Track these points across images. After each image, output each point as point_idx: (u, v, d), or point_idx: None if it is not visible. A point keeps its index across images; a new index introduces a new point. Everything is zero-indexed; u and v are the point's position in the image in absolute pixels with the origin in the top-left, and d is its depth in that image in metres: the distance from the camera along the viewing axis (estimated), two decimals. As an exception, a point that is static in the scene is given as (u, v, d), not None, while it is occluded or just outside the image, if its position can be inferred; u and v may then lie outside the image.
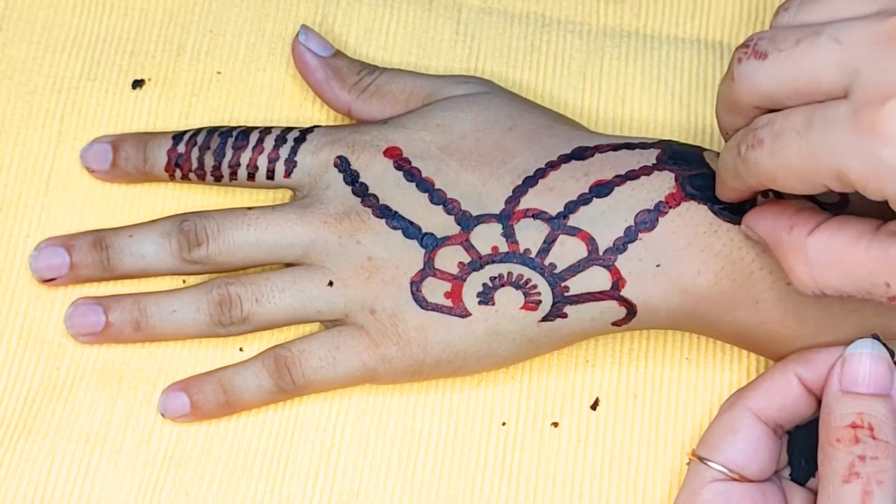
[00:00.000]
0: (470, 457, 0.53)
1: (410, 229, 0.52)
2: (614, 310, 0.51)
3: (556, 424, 0.54)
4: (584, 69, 0.59)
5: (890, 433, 0.46)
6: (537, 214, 0.51)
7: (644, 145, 0.53)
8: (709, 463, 0.49)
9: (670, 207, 0.50)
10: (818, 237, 0.45)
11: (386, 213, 0.52)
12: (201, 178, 0.55)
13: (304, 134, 0.55)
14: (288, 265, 0.54)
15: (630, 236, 0.50)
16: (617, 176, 0.51)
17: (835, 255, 0.44)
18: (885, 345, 0.48)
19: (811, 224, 0.45)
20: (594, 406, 0.54)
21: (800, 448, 0.50)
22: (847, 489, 0.45)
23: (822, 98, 0.42)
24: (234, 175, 0.55)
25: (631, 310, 0.51)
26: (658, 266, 0.50)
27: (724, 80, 0.46)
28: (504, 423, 0.54)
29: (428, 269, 0.52)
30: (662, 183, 0.51)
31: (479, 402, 0.54)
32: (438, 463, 0.53)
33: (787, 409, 0.49)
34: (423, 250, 0.52)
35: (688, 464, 0.50)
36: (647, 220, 0.50)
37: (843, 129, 0.40)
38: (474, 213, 0.52)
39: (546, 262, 0.51)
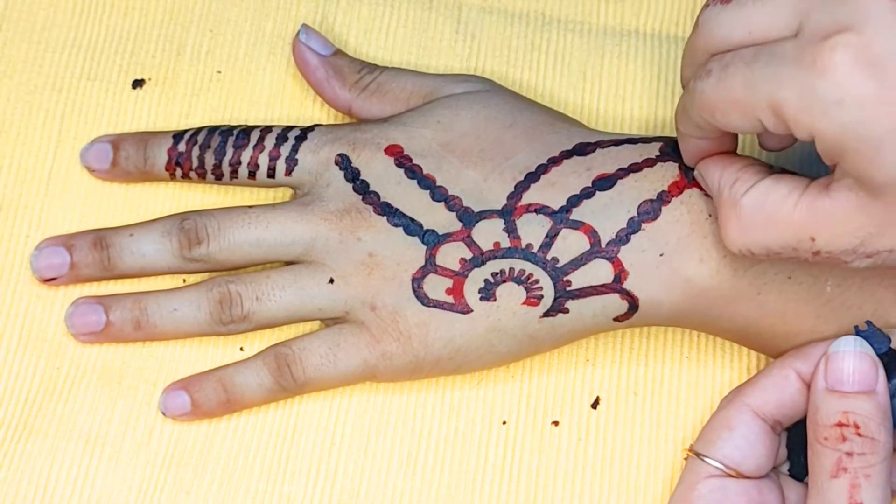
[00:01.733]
0: (470, 456, 0.53)
1: (412, 226, 0.52)
2: (616, 304, 0.51)
3: (556, 423, 0.54)
4: (584, 68, 0.59)
5: (876, 430, 0.46)
6: (540, 209, 0.51)
7: (646, 140, 0.53)
8: (705, 459, 0.49)
9: (673, 196, 0.51)
10: (753, 194, 0.46)
11: (387, 211, 0.52)
12: (202, 176, 0.55)
13: (304, 132, 0.55)
14: (288, 263, 0.54)
15: (633, 227, 0.50)
16: (620, 169, 0.52)
17: (766, 213, 0.45)
18: (880, 330, 0.49)
19: (753, 181, 0.46)
20: (594, 405, 0.54)
21: (798, 444, 0.50)
22: (835, 483, 0.46)
23: (773, 41, 0.43)
24: (234, 174, 0.55)
25: (633, 304, 0.51)
26: (661, 255, 0.50)
27: (691, 32, 0.47)
28: (504, 422, 0.54)
29: (429, 266, 0.52)
30: (666, 173, 0.51)
31: (479, 401, 0.54)
32: (439, 462, 0.53)
33: (785, 405, 0.49)
34: (425, 247, 0.52)
35: (685, 459, 0.51)
36: (650, 210, 0.51)
37: (786, 63, 0.42)
38: (476, 210, 0.52)
39: (548, 257, 0.51)
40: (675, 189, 0.51)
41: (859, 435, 0.46)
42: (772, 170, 0.48)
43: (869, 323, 0.49)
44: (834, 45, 0.40)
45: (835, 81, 0.40)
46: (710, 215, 0.50)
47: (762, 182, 0.46)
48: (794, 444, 0.50)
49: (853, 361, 0.48)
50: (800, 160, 0.55)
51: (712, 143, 0.48)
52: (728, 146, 0.49)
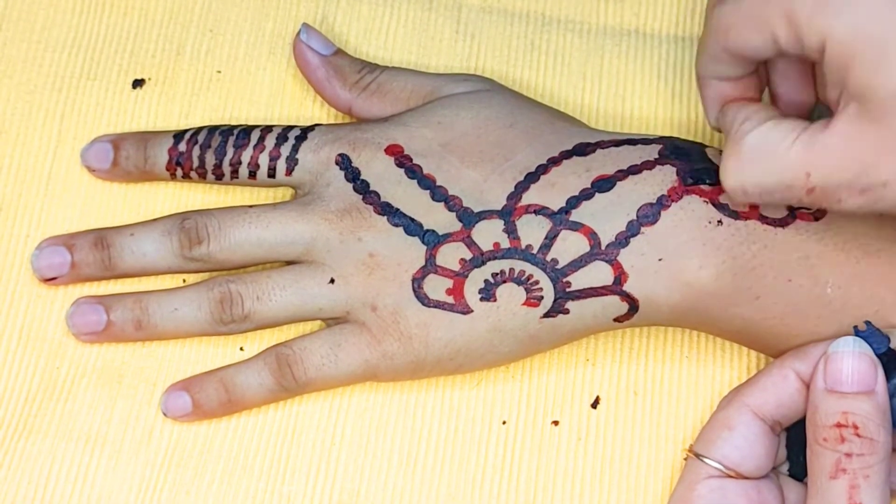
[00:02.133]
0: (470, 455, 0.54)
1: (412, 226, 0.52)
2: (616, 305, 0.51)
3: (556, 423, 0.54)
4: (584, 68, 0.59)
5: (875, 430, 0.46)
6: (539, 210, 0.51)
7: (646, 141, 0.53)
8: (705, 459, 0.49)
9: (672, 201, 0.51)
10: (757, 132, 0.47)
11: (387, 211, 0.52)
12: (202, 176, 0.55)
13: (305, 132, 0.55)
14: (289, 263, 0.54)
15: (632, 230, 0.50)
16: (619, 171, 0.52)
17: (765, 150, 0.46)
18: (879, 330, 0.49)
19: (763, 120, 0.47)
20: (594, 404, 0.54)
21: (798, 444, 0.50)
22: (834, 484, 0.46)
23: None
24: (235, 173, 0.55)
25: (633, 305, 0.51)
26: (660, 260, 0.50)
27: None
28: (504, 422, 0.54)
29: (429, 266, 0.52)
30: (665, 177, 0.51)
31: (479, 400, 0.54)
32: (439, 462, 0.53)
33: (784, 405, 0.49)
34: (425, 247, 0.52)
35: (685, 459, 0.51)
36: (650, 214, 0.51)
37: None
38: (476, 210, 0.52)
39: (548, 258, 0.51)
40: (675, 194, 0.51)
41: (858, 436, 0.46)
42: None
43: (868, 323, 0.49)
44: None
45: None
46: (710, 222, 0.50)
47: (767, 123, 0.47)
48: (794, 444, 0.50)
49: (852, 362, 0.48)
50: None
51: (734, 86, 0.50)
52: (751, 92, 0.50)
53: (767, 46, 0.46)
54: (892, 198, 0.45)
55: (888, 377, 0.48)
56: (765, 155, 0.46)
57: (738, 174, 0.47)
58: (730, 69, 0.49)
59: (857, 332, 0.49)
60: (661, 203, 0.51)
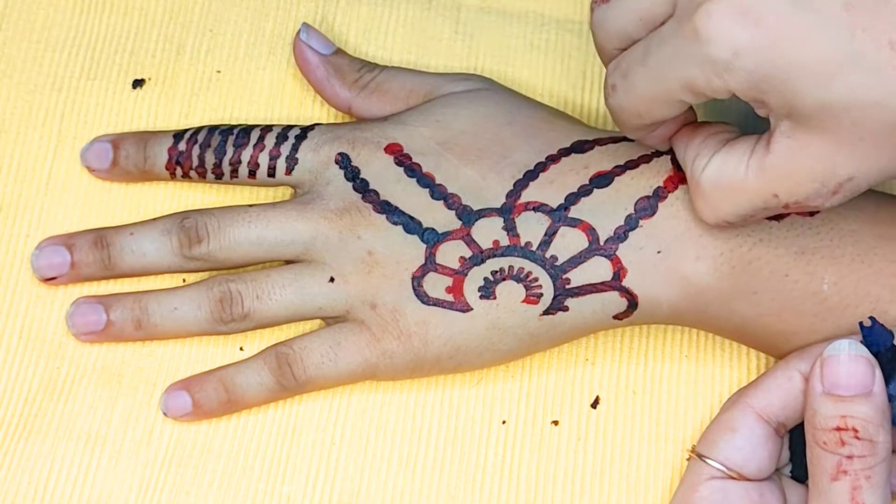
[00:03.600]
0: (470, 455, 0.53)
1: (411, 224, 0.52)
2: (615, 301, 0.51)
3: (556, 423, 0.54)
4: (583, 67, 0.60)
5: (874, 432, 0.46)
6: (538, 207, 0.51)
7: (643, 137, 0.53)
8: (707, 460, 0.49)
9: (669, 192, 0.51)
10: (709, 171, 0.47)
11: (387, 209, 0.52)
12: (202, 176, 0.55)
13: (304, 131, 0.55)
14: (289, 262, 0.54)
15: (631, 224, 0.50)
16: (617, 166, 0.52)
17: (724, 187, 0.47)
18: (883, 326, 0.48)
19: (710, 155, 0.48)
20: (594, 404, 0.54)
21: (801, 446, 0.50)
22: (836, 486, 0.46)
23: (661, 22, 0.45)
24: (234, 173, 0.55)
25: (632, 301, 0.51)
26: (659, 253, 0.50)
27: (593, 39, 0.49)
28: (504, 422, 0.54)
29: (429, 265, 0.52)
30: (661, 168, 0.51)
31: (479, 400, 0.54)
32: (439, 461, 0.53)
33: (789, 407, 0.49)
34: (425, 245, 0.52)
35: (688, 460, 0.50)
36: (648, 207, 0.51)
37: (674, 43, 0.44)
38: (475, 208, 0.52)
39: (547, 255, 0.51)
40: (671, 184, 0.51)
41: (858, 438, 0.46)
42: (733, 133, 0.49)
43: (873, 319, 0.49)
44: (707, 11, 0.42)
45: (721, 43, 0.42)
46: None
47: (717, 155, 0.47)
48: (797, 446, 0.50)
49: (849, 365, 0.47)
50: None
51: (667, 125, 0.49)
52: (687, 118, 0.50)
53: (683, 107, 0.46)
54: (866, 183, 0.45)
55: (889, 377, 0.48)
56: (726, 191, 0.47)
57: (711, 213, 0.48)
58: (652, 126, 0.49)
59: (862, 328, 0.49)
60: (658, 194, 0.51)
